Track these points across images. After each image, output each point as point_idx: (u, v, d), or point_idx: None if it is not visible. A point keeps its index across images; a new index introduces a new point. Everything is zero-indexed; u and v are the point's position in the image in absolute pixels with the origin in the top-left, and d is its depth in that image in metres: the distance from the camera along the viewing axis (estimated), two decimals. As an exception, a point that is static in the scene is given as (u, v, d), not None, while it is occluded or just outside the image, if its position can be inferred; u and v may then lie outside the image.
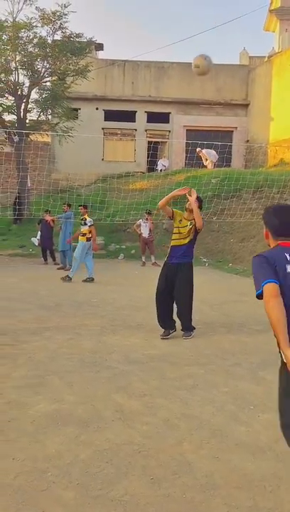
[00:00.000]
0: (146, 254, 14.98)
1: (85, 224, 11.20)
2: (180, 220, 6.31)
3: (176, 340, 6.05)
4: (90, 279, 11.02)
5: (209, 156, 21.11)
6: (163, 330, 6.24)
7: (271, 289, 2.56)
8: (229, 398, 4.10)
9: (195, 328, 6.35)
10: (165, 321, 6.30)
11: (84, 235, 11.15)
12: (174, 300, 6.32)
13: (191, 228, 6.22)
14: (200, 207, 6.30)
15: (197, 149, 21.11)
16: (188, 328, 6.30)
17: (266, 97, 23.44)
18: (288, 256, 2.69)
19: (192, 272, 6.36)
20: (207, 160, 21.24)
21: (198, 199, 6.30)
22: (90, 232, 11.21)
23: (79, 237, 11.28)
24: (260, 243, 14.81)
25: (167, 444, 3.23)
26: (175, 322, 6.35)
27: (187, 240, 6.26)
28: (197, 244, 17.25)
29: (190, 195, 6.21)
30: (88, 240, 11.14)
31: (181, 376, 4.64)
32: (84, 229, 11.18)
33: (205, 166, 21.20)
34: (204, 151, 21.03)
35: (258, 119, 24.31)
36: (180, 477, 2.83)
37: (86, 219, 11.26)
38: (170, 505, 2.57)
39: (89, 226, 11.18)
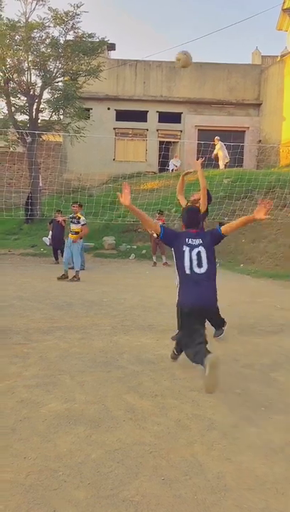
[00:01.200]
0: (157, 254, 14.99)
1: (78, 223, 11.22)
2: None
3: (187, 340, 6.03)
4: (65, 277, 10.98)
5: (222, 149, 20.94)
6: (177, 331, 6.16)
7: (156, 225, 4.68)
8: (240, 399, 4.08)
9: (225, 323, 6.16)
10: None
11: (76, 233, 11.16)
12: None
13: None
14: (209, 202, 6.28)
15: (217, 138, 21.05)
16: (219, 323, 6.13)
17: (279, 96, 23.32)
18: (187, 239, 4.45)
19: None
20: (218, 149, 20.97)
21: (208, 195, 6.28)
22: (82, 230, 11.29)
23: (70, 236, 11.24)
24: (272, 244, 14.74)
25: (178, 445, 3.23)
26: None
27: None
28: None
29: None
30: (80, 237, 11.21)
31: (192, 377, 4.63)
32: (77, 228, 11.18)
33: (216, 155, 20.97)
34: (221, 143, 20.93)
35: (270, 119, 24.19)
36: (191, 478, 2.82)
37: (80, 218, 11.30)
38: (181, 506, 2.56)
39: (82, 225, 11.24)
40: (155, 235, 14.11)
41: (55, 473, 2.84)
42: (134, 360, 5.10)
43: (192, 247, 4.41)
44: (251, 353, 5.56)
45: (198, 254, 4.39)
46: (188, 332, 4.36)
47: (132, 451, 3.12)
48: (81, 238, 11.46)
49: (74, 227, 11.25)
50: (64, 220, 14.52)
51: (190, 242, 4.45)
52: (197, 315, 4.35)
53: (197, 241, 4.46)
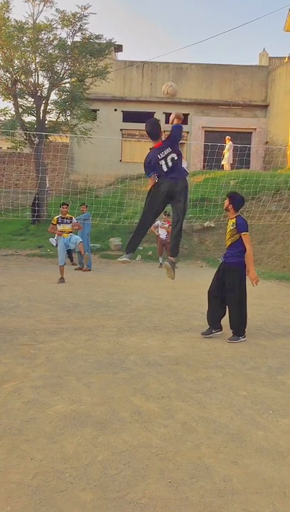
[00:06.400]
0: (164, 255, 14.96)
1: (70, 223, 11.30)
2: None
3: (194, 342, 6.03)
4: (62, 280, 11.04)
5: (229, 151, 21.02)
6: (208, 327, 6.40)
7: (151, 180, 5.71)
8: (247, 402, 4.06)
9: (244, 337, 6.21)
10: (212, 319, 6.38)
11: (68, 233, 11.23)
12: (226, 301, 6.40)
13: (233, 229, 6.31)
14: (237, 207, 6.40)
15: (228, 137, 21.14)
16: (236, 331, 6.22)
17: (286, 97, 23.23)
18: (158, 155, 5.54)
19: (241, 275, 6.28)
20: (227, 150, 21.05)
21: (232, 198, 6.41)
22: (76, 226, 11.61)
23: (64, 236, 11.19)
24: (279, 245, 14.69)
25: (185, 448, 3.21)
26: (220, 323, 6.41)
27: (230, 241, 6.35)
28: (216, 246, 17.12)
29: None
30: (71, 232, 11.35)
31: (199, 379, 4.62)
32: (69, 228, 11.23)
33: (223, 155, 21.07)
34: (231, 144, 20.99)
35: (278, 120, 24.11)
36: (198, 481, 2.81)
37: (72, 218, 11.42)
38: (188, 509, 2.55)
39: (74, 225, 11.45)
40: (161, 236, 14.22)
41: (62, 474, 2.83)
42: (141, 362, 5.09)
43: (166, 157, 5.58)
44: (258, 355, 5.54)
45: (172, 159, 5.57)
46: (149, 208, 5.78)
47: (139, 453, 3.11)
48: (74, 228, 11.68)
49: (66, 227, 11.22)
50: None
51: (161, 154, 5.58)
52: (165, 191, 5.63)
53: (168, 149, 5.58)
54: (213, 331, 6.34)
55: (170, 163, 5.55)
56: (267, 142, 24.94)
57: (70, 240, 11.11)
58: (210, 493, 2.69)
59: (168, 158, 5.55)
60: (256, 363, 5.23)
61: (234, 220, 6.29)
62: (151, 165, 5.61)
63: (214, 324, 6.37)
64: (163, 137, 5.71)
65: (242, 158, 21.45)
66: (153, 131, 5.64)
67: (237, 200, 6.41)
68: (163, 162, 5.55)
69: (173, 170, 5.57)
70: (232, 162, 21.25)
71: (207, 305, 6.51)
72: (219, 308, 6.38)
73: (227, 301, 6.31)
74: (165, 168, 5.56)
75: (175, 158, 5.58)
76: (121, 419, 3.62)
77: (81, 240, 11.27)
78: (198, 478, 2.83)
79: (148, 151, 5.80)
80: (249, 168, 22.93)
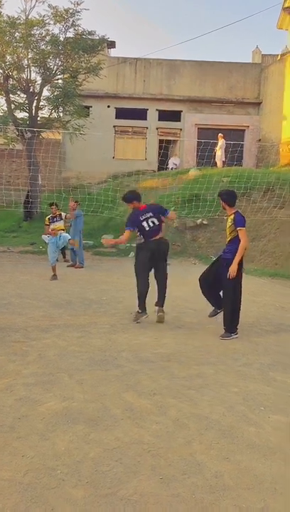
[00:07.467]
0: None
1: (61, 219, 11.31)
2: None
3: (186, 339, 6.04)
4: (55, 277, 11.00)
5: (221, 149, 21.12)
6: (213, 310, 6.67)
7: (127, 233, 6.77)
8: (239, 399, 4.08)
9: (236, 333, 6.22)
10: (215, 302, 6.56)
11: (62, 229, 11.22)
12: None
13: (232, 225, 6.33)
14: (231, 203, 6.43)
15: (220, 135, 21.22)
16: (228, 328, 6.23)
17: (279, 95, 23.27)
18: (141, 217, 6.68)
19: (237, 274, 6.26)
20: (219, 147, 21.17)
21: (222, 196, 6.51)
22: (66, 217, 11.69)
23: (57, 233, 11.13)
24: (271, 242, 14.73)
25: (176, 444, 3.22)
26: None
27: (229, 237, 6.37)
28: (208, 243, 17.11)
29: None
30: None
31: (191, 375, 4.63)
32: (59, 224, 11.21)
33: (215, 153, 21.21)
34: (224, 141, 21.08)
35: (270, 118, 24.16)
36: (189, 477, 2.82)
37: (61, 214, 11.44)
38: (179, 505, 2.55)
39: (64, 218, 11.52)
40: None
41: (53, 471, 2.83)
42: (133, 359, 5.10)
43: (147, 219, 6.72)
44: (250, 352, 5.57)
45: (152, 222, 6.71)
46: (142, 266, 6.81)
47: (130, 449, 3.12)
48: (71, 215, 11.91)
49: (58, 224, 11.18)
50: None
51: (143, 217, 6.71)
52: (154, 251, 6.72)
53: (149, 214, 6.74)
54: (218, 311, 6.54)
55: (151, 224, 6.67)
56: (260, 140, 24.99)
57: (61, 239, 11.08)
58: (202, 489, 2.70)
59: (149, 221, 6.67)
60: (248, 359, 5.25)
61: (232, 217, 6.28)
62: (133, 221, 6.71)
63: (218, 305, 6.51)
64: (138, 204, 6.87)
65: (234, 155, 21.48)
66: (131, 198, 6.92)
67: (228, 197, 6.42)
68: (145, 223, 6.66)
69: (153, 231, 6.72)
70: (224, 159, 21.30)
71: (202, 293, 6.68)
72: (216, 293, 6.50)
73: (222, 297, 6.35)
74: (147, 228, 6.67)
75: (156, 222, 6.72)
76: (113, 415, 3.63)
77: (70, 238, 11.29)
78: (190, 475, 2.84)
79: (133, 210, 6.90)
80: (241, 165, 22.95)
